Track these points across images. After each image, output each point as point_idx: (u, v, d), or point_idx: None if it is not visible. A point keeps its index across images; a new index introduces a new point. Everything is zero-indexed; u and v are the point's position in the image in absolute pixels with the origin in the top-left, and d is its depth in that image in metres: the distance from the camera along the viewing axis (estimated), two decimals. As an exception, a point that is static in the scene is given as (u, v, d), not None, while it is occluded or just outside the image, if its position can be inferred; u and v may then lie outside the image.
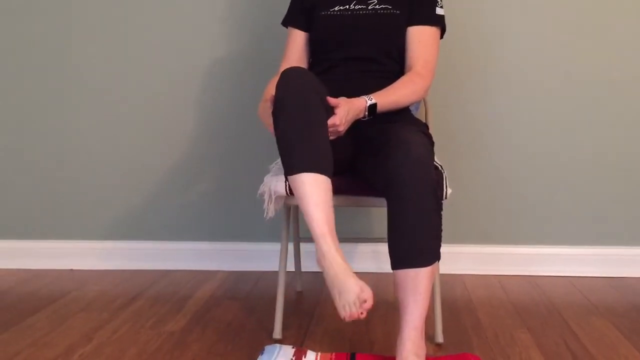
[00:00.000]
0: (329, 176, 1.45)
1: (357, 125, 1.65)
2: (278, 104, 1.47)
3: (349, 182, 1.69)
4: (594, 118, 2.34)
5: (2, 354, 1.64)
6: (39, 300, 2.11)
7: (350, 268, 1.37)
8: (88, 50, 2.45)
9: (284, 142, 1.45)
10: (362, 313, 1.32)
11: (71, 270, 2.50)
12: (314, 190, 1.42)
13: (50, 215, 2.52)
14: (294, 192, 1.45)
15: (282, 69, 1.86)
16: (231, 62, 2.41)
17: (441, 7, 1.81)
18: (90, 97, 2.47)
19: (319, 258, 1.40)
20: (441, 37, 1.84)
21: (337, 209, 2.43)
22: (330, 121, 1.51)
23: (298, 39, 1.89)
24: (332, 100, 1.53)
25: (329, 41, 1.82)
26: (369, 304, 1.32)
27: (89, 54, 2.45)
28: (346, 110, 1.54)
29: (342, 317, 1.34)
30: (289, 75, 1.49)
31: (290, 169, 1.44)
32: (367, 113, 1.62)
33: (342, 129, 1.55)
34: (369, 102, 1.62)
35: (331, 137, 1.55)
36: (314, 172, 1.42)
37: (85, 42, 2.44)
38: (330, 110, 1.53)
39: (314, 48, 1.87)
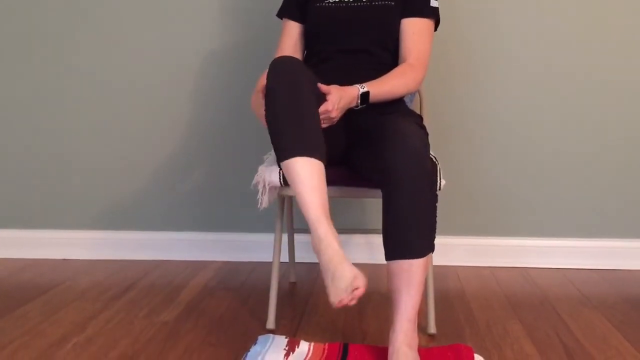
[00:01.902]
0: (322, 161, 1.43)
1: (351, 117, 1.65)
2: (269, 92, 1.46)
3: (344, 174, 1.69)
4: (589, 111, 2.35)
5: (-5, 343, 1.64)
6: (33, 289, 2.10)
7: (344, 254, 1.35)
8: (81, 43, 2.43)
9: (276, 128, 1.44)
10: (352, 300, 1.29)
11: (64, 260, 2.49)
12: (308, 174, 1.39)
13: (43, 205, 2.51)
14: (287, 177, 1.42)
15: (275, 61, 1.85)
16: (226, 53, 2.40)
17: None
18: (82, 89, 2.45)
19: (315, 242, 1.37)
20: (435, 29, 1.84)
21: (331, 201, 2.44)
22: (322, 108, 1.51)
23: (293, 30, 1.89)
24: (323, 87, 1.53)
25: (324, 33, 1.81)
26: (360, 291, 1.28)
27: (81, 46, 2.43)
28: (338, 97, 1.54)
29: (332, 302, 1.30)
30: (279, 64, 1.49)
31: (282, 154, 1.42)
32: (359, 101, 1.62)
33: (335, 115, 1.54)
34: (362, 90, 1.61)
35: (324, 125, 1.55)
36: (307, 156, 1.40)
37: (77, 36, 2.43)
38: (322, 98, 1.52)
39: (308, 40, 1.87)
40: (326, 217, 1.39)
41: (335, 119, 1.56)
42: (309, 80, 1.49)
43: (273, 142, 1.45)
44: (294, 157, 1.40)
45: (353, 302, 1.29)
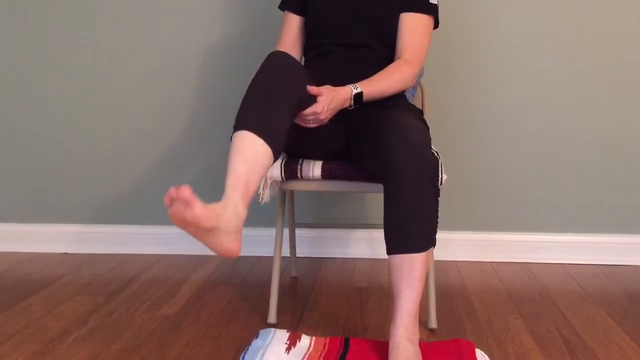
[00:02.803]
0: (272, 149, 1.40)
1: (351, 112, 1.65)
2: (254, 79, 1.47)
3: (345, 168, 1.69)
4: (589, 106, 2.34)
5: (-3, 337, 1.65)
6: (34, 283, 2.11)
7: (232, 219, 1.30)
8: (80, 38, 2.43)
9: (246, 103, 1.43)
10: (174, 193, 1.18)
11: (66, 254, 2.50)
12: (247, 147, 1.37)
13: (44, 199, 2.52)
14: (230, 147, 1.39)
15: (275, 52, 1.85)
16: (226, 48, 2.40)
17: None
18: (82, 83, 2.45)
19: (223, 199, 1.33)
20: (435, 27, 1.83)
21: (333, 195, 2.44)
22: (311, 109, 1.51)
23: (293, 23, 1.88)
24: (312, 89, 1.53)
25: (324, 26, 1.81)
26: (179, 196, 1.17)
27: (81, 41, 2.43)
28: (329, 99, 1.54)
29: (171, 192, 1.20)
30: (275, 57, 1.49)
31: (237, 125, 1.41)
32: (352, 102, 1.62)
33: (324, 117, 1.55)
34: (355, 91, 1.61)
35: (313, 125, 1.56)
36: (257, 135, 1.38)
37: (76, 30, 2.42)
38: (312, 99, 1.52)
39: (309, 33, 1.86)
40: (244, 189, 1.33)
41: (325, 120, 1.56)
42: (300, 78, 1.49)
43: (237, 114, 1.44)
44: (244, 130, 1.39)
45: (173, 192, 1.18)
